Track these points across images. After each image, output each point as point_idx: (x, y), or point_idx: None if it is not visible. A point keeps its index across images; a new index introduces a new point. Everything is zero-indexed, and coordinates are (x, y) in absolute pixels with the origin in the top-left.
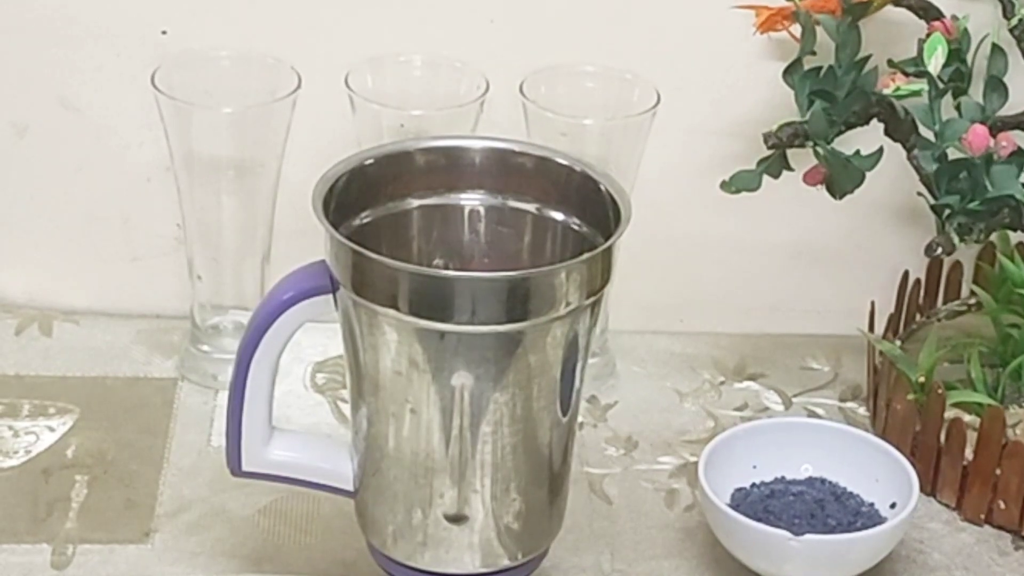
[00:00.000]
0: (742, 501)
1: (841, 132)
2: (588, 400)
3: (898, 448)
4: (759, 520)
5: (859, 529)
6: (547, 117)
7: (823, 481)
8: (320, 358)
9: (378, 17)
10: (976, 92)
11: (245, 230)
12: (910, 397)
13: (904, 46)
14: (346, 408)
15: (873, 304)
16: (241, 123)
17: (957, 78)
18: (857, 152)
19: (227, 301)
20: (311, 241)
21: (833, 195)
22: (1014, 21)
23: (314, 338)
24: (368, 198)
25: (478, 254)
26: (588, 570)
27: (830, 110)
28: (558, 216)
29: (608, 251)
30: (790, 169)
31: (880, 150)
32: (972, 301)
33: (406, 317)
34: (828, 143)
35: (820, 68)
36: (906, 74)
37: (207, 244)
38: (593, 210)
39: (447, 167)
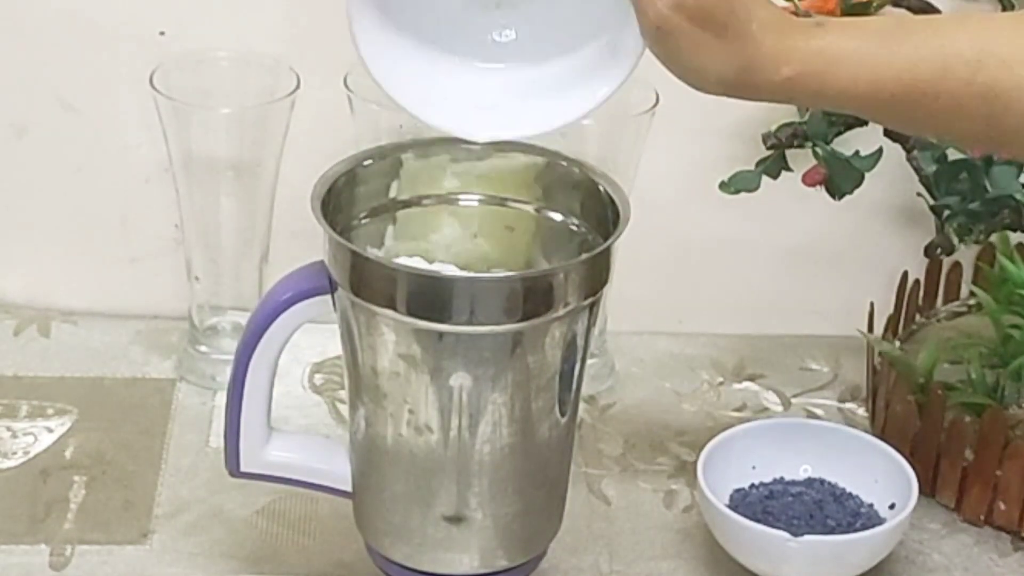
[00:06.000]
0: (741, 502)
1: (840, 133)
2: (587, 400)
3: (897, 449)
4: (758, 521)
5: (858, 530)
6: None
7: (822, 482)
8: (318, 359)
9: None
10: None
11: (243, 231)
12: (910, 398)
13: None
14: (344, 409)
15: (872, 305)
16: (240, 124)
17: None
18: (856, 153)
19: (225, 302)
20: (309, 242)
21: (832, 196)
22: None
23: (312, 339)
24: (367, 199)
25: (477, 254)
26: (586, 571)
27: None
28: (557, 216)
29: (607, 252)
30: (789, 170)
31: (879, 151)
32: (972, 302)
33: (404, 318)
34: (827, 143)
35: None
36: None
37: (206, 245)
38: (592, 210)
39: None
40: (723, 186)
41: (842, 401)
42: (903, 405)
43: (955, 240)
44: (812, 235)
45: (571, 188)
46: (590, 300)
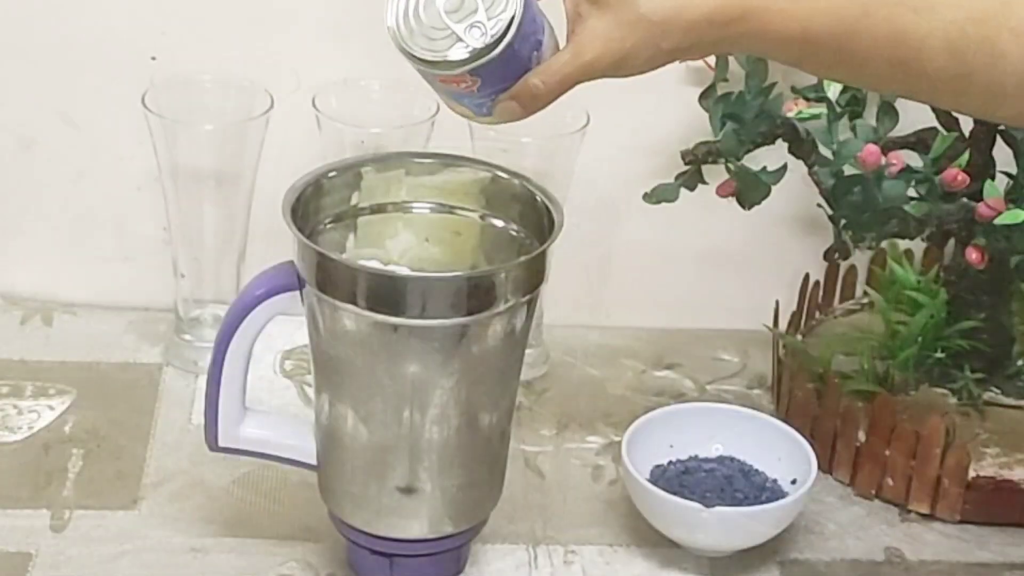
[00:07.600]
0: (660, 476)
1: (750, 150)
2: (525, 386)
3: (799, 430)
4: (675, 493)
5: (764, 502)
6: (490, 135)
7: (732, 459)
8: (288, 347)
9: (342, 46)
10: (870, 115)
11: (223, 233)
12: (809, 385)
13: (806, 75)
14: (311, 392)
15: (777, 303)
16: (221, 139)
17: (853, 103)
18: (764, 168)
19: (207, 296)
20: (281, 243)
21: (742, 206)
22: None
23: (283, 329)
24: (331, 207)
25: (428, 257)
26: (523, 536)
27: (740, 131)
28: (499, 223)
29: (543, 254)
30: (704, 183)
31: (784, 166)
32: (865, 301)
33: (364, 312)
34: (738, 160)
35: (731, 93)
36: (808, 99)
37: (190, 245)
38: (530, 218)
39: None
40: (646, 197)
41: (750, 388)
42: (803, 392)
43: (851, 246)
44: (725, 241)
45: (512, 198)
46: (528, 297)
